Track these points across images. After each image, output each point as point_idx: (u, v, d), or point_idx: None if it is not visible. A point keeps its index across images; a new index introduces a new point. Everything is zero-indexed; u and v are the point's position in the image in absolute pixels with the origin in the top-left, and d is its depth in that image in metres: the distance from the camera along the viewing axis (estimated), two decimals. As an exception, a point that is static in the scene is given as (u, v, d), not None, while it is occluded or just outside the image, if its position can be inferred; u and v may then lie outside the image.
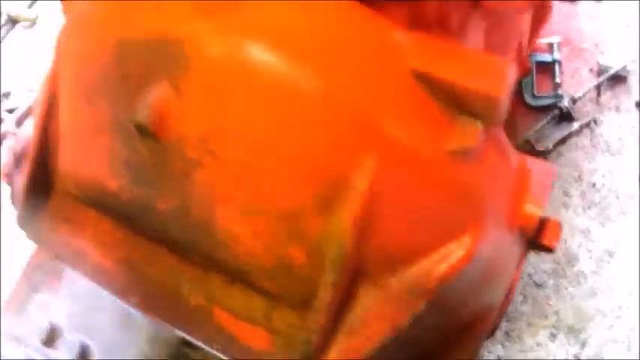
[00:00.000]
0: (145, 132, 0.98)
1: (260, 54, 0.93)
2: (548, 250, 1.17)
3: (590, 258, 1.70)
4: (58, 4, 2.38)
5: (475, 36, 1.21)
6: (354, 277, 0.97)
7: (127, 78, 1.02)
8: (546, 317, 1.66)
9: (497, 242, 1.07)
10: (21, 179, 1.25)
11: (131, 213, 1.08)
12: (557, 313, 1.67)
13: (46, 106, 1.16)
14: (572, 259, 1.69)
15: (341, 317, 0.99)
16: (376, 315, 0.99)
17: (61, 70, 1.15)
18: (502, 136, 1.08)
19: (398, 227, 0.97)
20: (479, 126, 0.97)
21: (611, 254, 1.71)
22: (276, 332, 1.03)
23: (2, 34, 2.50)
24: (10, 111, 2.32)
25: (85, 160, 1.13)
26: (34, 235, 1.22)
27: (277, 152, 0.94)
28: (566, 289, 1.69)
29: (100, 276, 1.12)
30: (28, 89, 2.37)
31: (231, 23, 0.96)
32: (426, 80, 0.97)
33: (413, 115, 0.96)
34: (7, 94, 2.37)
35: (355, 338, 1.00)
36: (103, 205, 1.12)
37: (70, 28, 1.18)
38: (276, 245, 0.98)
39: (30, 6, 2.57)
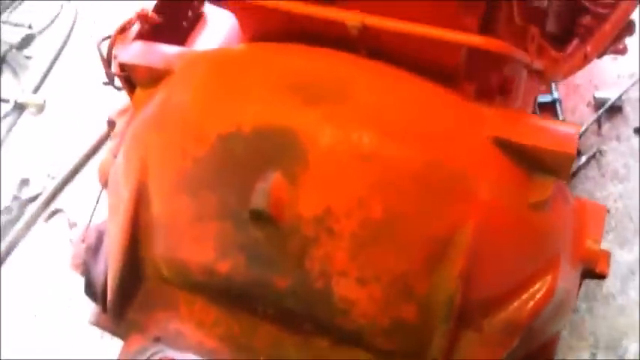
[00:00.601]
0: (262, 217, 1.09)
1: (369, 141, 1.09)
2: (602, 277, 1.32)
3: (616, 278, 1.84)
4: (65, 89, 2.43)
5: (524, 95, 1.45)
6: (458, 324, 1.10)
7: (236, 169, 1.14)
8: (585, 339, 1.79)
9: (567, 276, 1.21)
10: (100, 269, 1.32)
11: (242, 291, 1.16)
12: (593, 333, 1.79)
13: (136, 196, 1.23)
14: (599, 282, 1.82)
15: None
16: (475, 356, 1.13)
17: (149, 162, 1.24)
18: (562, 183, 1.22)
19: (493, 276, 1.12)
20: (551, 179, 1.15)
21: (633, 272, 1.85)
22: None
23: (12, 121, 2.55)
24: (33, 199, 2.41)
25: (186, 246, 1.20)
26: (126, 323, 1.26)
27: (389, 224, 1.09)
28: (599, 310, 1.82)
29: (204, 354, 1.17)
30: (47, 175, 2.45)
31: (338, 113, 1.12)
32: (506, 145, 1.14)
33: (498, 178, 1.13)
34: (25, 181, 2.44)
35: None
36: (198, 286, 1.21)
37: (155, 121, 1.27)
38: (390, 306, 1.11)
39: (35, 91, 2.65)
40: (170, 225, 1.23)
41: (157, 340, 1.22)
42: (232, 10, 1.38)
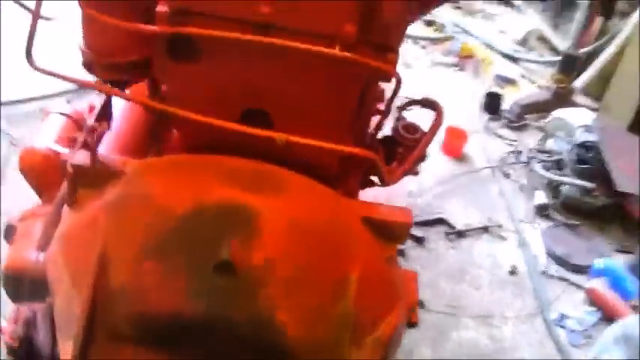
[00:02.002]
0: (225, 268, 1.52)
1: (295, 219, 1.62)
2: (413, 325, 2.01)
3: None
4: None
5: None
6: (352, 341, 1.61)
7: (199, 237, 1.56)
8: None
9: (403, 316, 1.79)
10: (43, 339, 1.67)
11: (206, 328, 1.54)
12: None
13: (97, 270, 1.54)
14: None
15: None
16: None
17: (108, 242, 1.56)
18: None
19: (370, 307, 1.65)
20: (395, 242, 1.81)
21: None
22: None
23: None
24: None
25: (154, 301, 1.54)
26: None
27: (309, 271, 1.60)
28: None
29: None
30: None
31: (276, 200, 1.63)
32: (369, 222, 1.76)
33: (369, 241, 1.74)
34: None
35: None
36: (159, 332, 1.55)
37: (115, 209, 1.62)
38: (312, 328, 1.58)
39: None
40: (136, 288, 1.55)
41: None
42: (179, 128, 1.85)
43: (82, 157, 1.71)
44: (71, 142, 2.41)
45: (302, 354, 1.58)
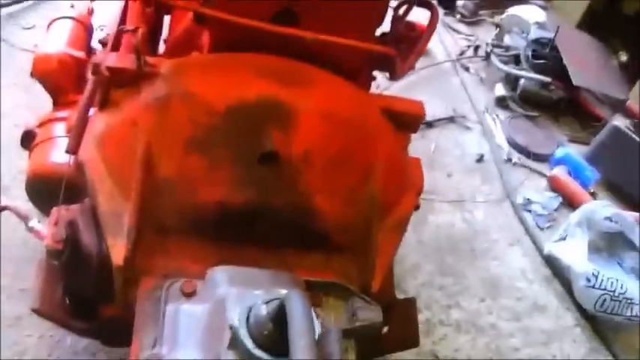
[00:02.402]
0: (269, 158, 1.65)
1: (329, 108, 1.74)
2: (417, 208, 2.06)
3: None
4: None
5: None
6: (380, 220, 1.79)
7: (242, 130, 1.65)
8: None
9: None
10: (89, 239, 1.63)
11: (251, 215, 1.66)
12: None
13: (143, 166, 1.61)
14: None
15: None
16: (386, 243, 1.78)
17: (152, 138, 1.62)
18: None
19: (391, 190, 1.80)
20: (409, 132, 1.98)
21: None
22: (336, 271, 1.72)
23: None
24: None
25: (202, 192, 1.64)
26: (136, 271, 1.57)
27: (341, 158, 1.72)
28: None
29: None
30: None
31: (309, 93, 1.73)
32: (387, 113, 1.88)
33: (389, 131, 1.87)
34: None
35: (383, 260, 1.76)
36: (206, 224, 1.64)
37: (156, 107, 1.66)
38: (345, 211, 1.73)
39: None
40: (183, 181, 1.63)
41: (166, 276, 1.51)
42: (213, 28, 1.85)
43: (116, 59, 1.73)
44: (82, 45, 2.45)
45: (336, 234, 1.74)
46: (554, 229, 3.75)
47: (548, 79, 4.52)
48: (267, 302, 1.19)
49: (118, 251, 1.55)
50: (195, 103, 1.65)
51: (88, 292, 1.68)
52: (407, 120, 1.92)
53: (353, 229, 1.75)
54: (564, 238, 3.55)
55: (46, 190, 2.00)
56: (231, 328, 1.20)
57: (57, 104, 2.34)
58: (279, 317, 1.15)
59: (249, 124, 1.65)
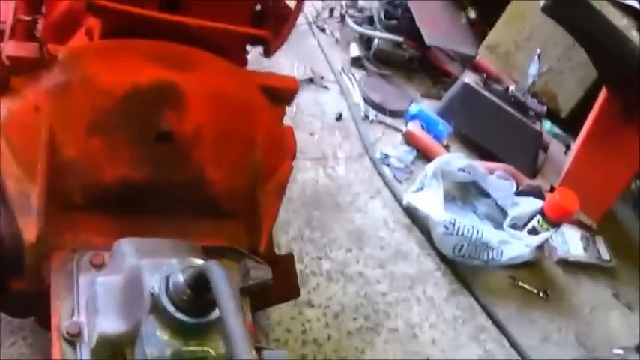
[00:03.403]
0: (165, 138, 1.76)
1: (214, 86, 1.86)
2: None
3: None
4: None
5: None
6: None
7: (138, 112, 1.75)
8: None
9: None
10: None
11: (150, 191, 1.78)
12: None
13: (48, 148, 1.69)
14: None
15: None
16: (271, 204, 1.96)
17: (54, 122, 1.70)
18: None
19: (271, 162, 1.95)
20: (284, 106, 2.06)
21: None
22: (227, 236, 1.88)
23: None
24: None
25: (103, 172, 1.74)
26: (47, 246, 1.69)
27: (226, 131, 1.85)
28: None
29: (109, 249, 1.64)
30: None
31: (196, 74, 1.84)
32: (264, 88, 1.98)
33: (267, 107, 1.99)
34: None
35: (267, 223, 1.94)
36: (109, 200, 1.76)
37: (57, 92, 1.72)
38: (231, 180, 1.87)
39: None
40: (86, 162, 1.73)
41: (74, 250, 1.65)
42: (102, 16, 1.91)
43: (16, 48, 1.77)
44: None
45: (225, 201, 1.90)
46: (411, 182, 3.93)
47: (400, 39, 4.69)
48: (182, 270, 1.31)
49: (29, 229, 1.64)
50: (94, 89, 1.73)
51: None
52: (282, 94, 2.06)
53: (240, 196, 1.91)
54: (421, 189, 3.75)
55: None
56: (152, 295, 1.31)
57: None
58: (196, 283, 1.28)
59: (145, 106, 1.75)
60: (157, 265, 1.38)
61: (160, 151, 1.79)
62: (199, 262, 1.35)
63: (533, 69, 4.40)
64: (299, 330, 2.91)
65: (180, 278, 1.29)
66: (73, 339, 1.45)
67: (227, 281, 1.24)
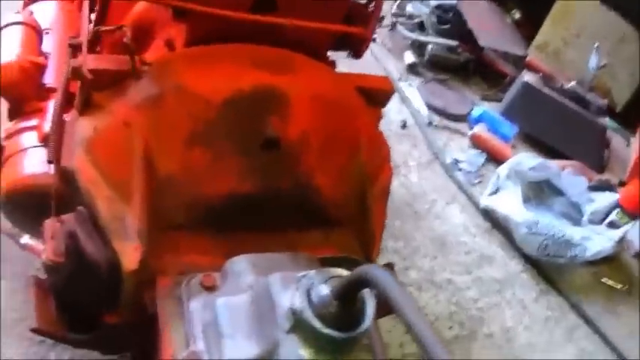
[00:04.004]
0: (271, 144, 1.67)
1: (318, 90, 1.76)
2: None
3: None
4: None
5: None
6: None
7: (241, 119, 1.65)
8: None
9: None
10: (93, 247, 1.57)
11: (258, 202, 1.69)
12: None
13: (144, 165, 1.59)
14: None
15: None
16: (376, 212, 1.86)
17: (149, 136, 1.60)
18: None
19: (373, 161, 1.86)
20: (380, 107, 1.99)
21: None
22: (337, 245, 1.78)
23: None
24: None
25: (207, 184, 1.64)
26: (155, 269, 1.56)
27: (333, 136, 1.76)
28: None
29: (217, 269, 1.50)
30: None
31: (298, 78, 1.74)
32: (362, 91, 1.89)
33: (366, 109, 1.89)
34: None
35: (378, 229, 1.86)
36: (213, 216, 1.66)
37: (150, 105, 1.63)
38: (341, 185, 1.79)
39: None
40: (187, 175, 1.63)
41: (180, 274, 1.50)
42: (189, 21, 1.78)
43: (100, 61, 1.68)
44: (36, 50, 2.34)
45: (334, 209, 1.80)
46: (483, 185, 3.91)
47: (454, 43, 4.68)
48: (325, 281, 1.16)
49: (128, 255, 1.53)
50: (191, 98, 1.64)
51: (91, 302, 1.65)
52: (377, 96, 1.97)
53: (348, 202, 1.81)
54: (497, 191, 3.73)
55: (26, 204, 1.94)
56: (293, 311, 1.16)
57: (19, 114, 2.21)
58: (344, 294, 1.14)
59: (248, 113, 1.66)
60: (286, 279, 1.24)
61: (267, 159, 1.68)
62: (341, 271, 1.20)
63: (592, 62, 4.37)
64: (397, 343, 2.85)
65: (325, 290, 1.15)
66: None
67: (396, 283, 1.08)
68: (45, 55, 2.35)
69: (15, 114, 2.23)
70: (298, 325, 1.16)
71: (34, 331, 1.68)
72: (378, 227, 1.87)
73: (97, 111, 1.64)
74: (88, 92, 1.64)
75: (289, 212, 1.74)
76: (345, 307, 1.14)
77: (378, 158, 1.93)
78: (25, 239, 2.03)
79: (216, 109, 1.63)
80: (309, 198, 1.75)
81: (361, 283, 1.12)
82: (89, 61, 1.63)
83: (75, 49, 1.77)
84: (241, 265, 1.41)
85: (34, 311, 1.68)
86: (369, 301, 1.17)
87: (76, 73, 1.63)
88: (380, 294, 1.07)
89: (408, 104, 4.36)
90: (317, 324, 1.13)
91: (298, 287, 1.18)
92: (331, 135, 1.78)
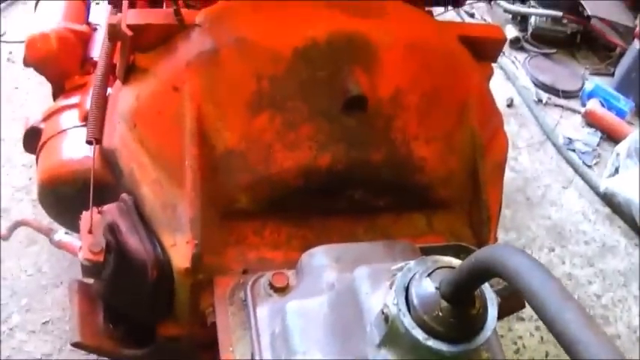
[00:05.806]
0: (356, 105, 1.32)
1: (412, 38, 1.45)
2: None
3: None
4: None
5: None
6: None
7: (317, 75, 1.32)
8: None
9: None
10: (135, 241, 1.31)
11: (342, 178, 1.35)
12: None
13: (198, 140, 1.28)
14: None
15: None
16: (494, 180, 1.54)
17: (203, 102, 1.30)
18: None
19: (486, 128, 1.55)
20: (490, 61, 1.68)
21: None
22: (443, 231, 1.46)
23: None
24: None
25: (278, 157, 1.31)
26: (205, 269, 1.26)
27: (435, 94, 1.43)
28: None
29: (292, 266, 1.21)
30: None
31: (385, 22, 1.44)
32: (465, 40, 1.58)
33: (474, 63, 1.58)
34: None
35: (493, 210, 1.51)
36: (288, 196, 1.33)
37: (205, 64, 1.32)
38: (446, 158, 1.44)
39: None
40: (252, 148, 1.31)
41: (245, 272, 1.24)
42: None
43: (141, 15, 1.39)
44: (82, 18, 2.07)
45: (439, 187, 1.45)
46: (601, 165, 3.61)
47: (559, 14, 4.35)
48: (429, 274, 0.87)
49: (180, 251, 1.25)
50: (253, 52, 1.34)
51: (140, 310, 1.40)
52: (486, 48, 1.64)
53: (456, 178, 1.47)
54: (616, 172, 3.42)
55: (64, 194, 1.64)
56: (385, 317, 0.88)
57: (61, 92, 1.94)
58: (457, 290, 0.84)
59: (325, 67, 1.35)
60: (376, 274, 0.97)
61: (351, 124, 1.35)
62: (450, 260, 0.90)
63: None
64: (512, 349, 2.61)
65: (430, 286, 0.86)
66: None
67: (543, 268, 0.73)
68: (92, 26, 2.07)
69: (57, 93, 1.97)
70: (393, 335, 0.88)
71: (76, 345, 1.40)
72: (494, 208, 1.51)
73: (140, 77, 1.39)
74: (130, 55, 1.39)
75: (381, 191, 1.41)
76: (458, 308, 0.85)
77: (491, 124, 1.60)
78: (60, 235, 1.66)
79: (286, 63, 1.33)
80: (407, 173, 1.41)
81: (483, 273, 0.80)
82: (129, 17, 1.36)
83: (115, 5, 1.51)
84: (321, 258, 1.15)
85: (74, 323, 1.42)
86: (491, 300, 0.88)
87: (114, 31, 1.37)
88: (513, 286, 0.74)
89: (514, 81, 4.06)
90: (419, 334, 0.85)
91: (393, 284, 0.88)
92: (432, 93, 1.44)
